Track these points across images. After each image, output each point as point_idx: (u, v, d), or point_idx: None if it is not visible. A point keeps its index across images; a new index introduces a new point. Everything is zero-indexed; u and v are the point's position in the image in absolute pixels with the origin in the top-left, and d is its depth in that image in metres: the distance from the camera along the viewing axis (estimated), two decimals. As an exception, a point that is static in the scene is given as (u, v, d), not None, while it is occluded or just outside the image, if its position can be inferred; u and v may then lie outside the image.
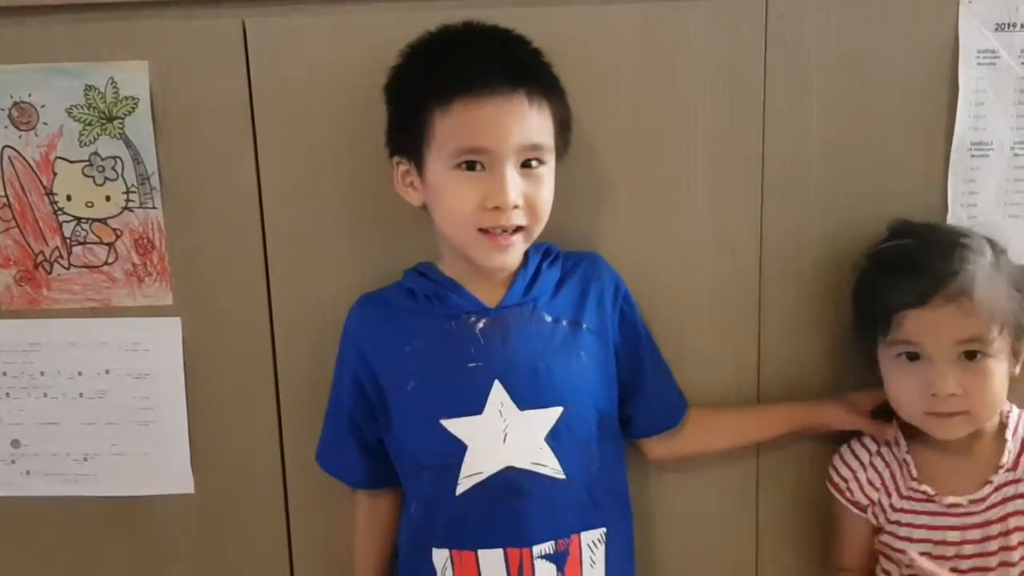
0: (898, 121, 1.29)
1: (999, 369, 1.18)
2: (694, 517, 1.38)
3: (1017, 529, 1.21)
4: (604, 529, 1.19)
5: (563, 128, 1.20)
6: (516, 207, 1.13)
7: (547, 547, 1.16)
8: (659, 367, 1.29)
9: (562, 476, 1.16)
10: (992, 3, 1.26)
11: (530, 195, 1.15)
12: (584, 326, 1.21)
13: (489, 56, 1.14)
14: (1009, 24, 1.27)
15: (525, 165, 1.15)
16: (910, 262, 1.18)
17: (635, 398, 1.27)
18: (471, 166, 1.13)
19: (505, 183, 1.12)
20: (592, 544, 1.18)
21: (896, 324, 1.18)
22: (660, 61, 1.27)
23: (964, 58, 1.27)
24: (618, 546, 1.21)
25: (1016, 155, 1.30)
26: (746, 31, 1.27)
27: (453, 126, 1.12)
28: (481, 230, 1.14)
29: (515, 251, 1.17)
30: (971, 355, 1.17)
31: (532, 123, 1.14)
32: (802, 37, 1.27)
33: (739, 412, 1.33)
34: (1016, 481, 1.22)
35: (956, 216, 1.30)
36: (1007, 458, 1.22)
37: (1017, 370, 1.22)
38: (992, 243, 1.21)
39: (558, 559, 1.16)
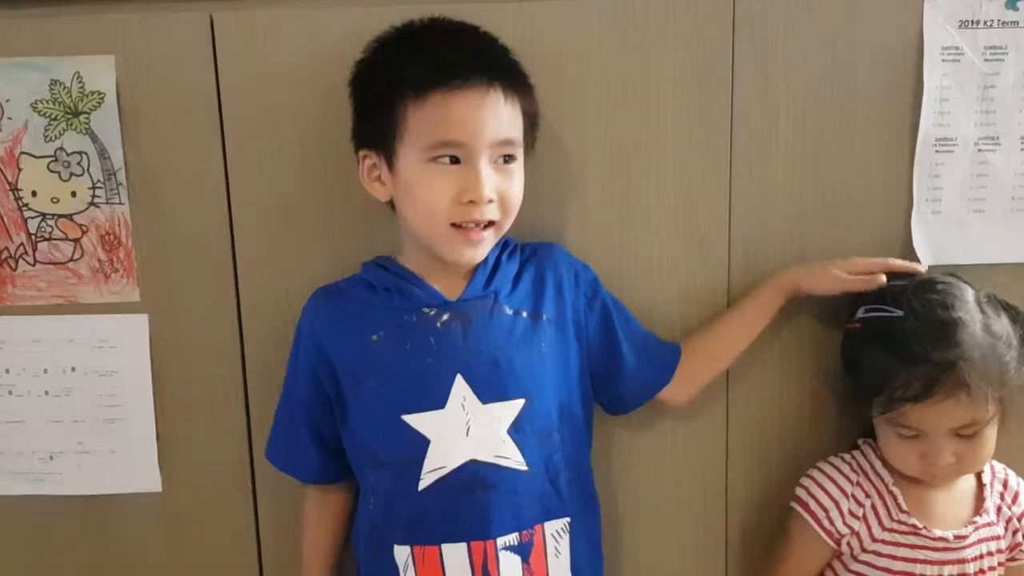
0: (864, 117, 1.30)
1: (991, 434, 1.22)
2: (661, 506, 1.39)
3: (991, 569, 1.26)
4: (568, 519, 1.19)
5: (532, 124, 1.20)
6: (490, 202, 1.14)
7: (511, 539, 1.15)
8: (638, 336, 1.28)
9: (525, 468, 1.16)
10: (956, 0, 1.27)
11: (503, 190, 1.15)
12: (544, 317, 1.21)
13: (465, 50, 1.14)
14: (972, 21, 1.28)
15: (498, 160, 1.15)
16: (906, 350, 1.19)
17: (620, 376, 1.27)
18: (450, 160, 1.13)
19: (481, 177, 1.12)
20: (556, 534, 1.18)
21: (898, 411, 1.21)
22: (629, 56, 1.28)
23: (928, 55, 1.29)
24: (583, 536, 1.21)
25: (980, 151, 1.31)
26: (714, 27, 1.28)
27: (428, 119, 1.12)
28: (453, 225, 1.14)
29: (484, 246, 1.17)
30: (966, 435, 1.21)
31: (506, 118, 1.14)
32: (769, 34, 1.28)
33: (727, 320, 1.31)
34: (991, 523, 1.27)
35: (920, 211, 1.32)
36: (990, 503, 1.27)
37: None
38: (978, 298, 1.23)
39: (522, 550, 1.16)
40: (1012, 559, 1.28)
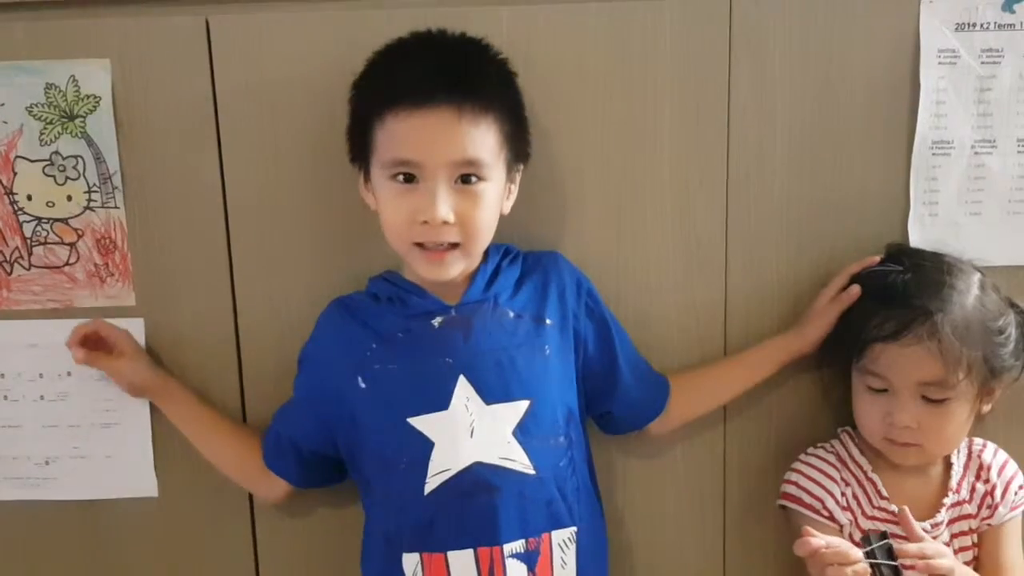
0: (861, 120, 1.31)
1: (959, 410, 1.21)
2: (663, 517, 1.39)
3: (963, 549, 1.25)
4: (575, 528, 1.18)
5: (512, 142, 1.17)
6: (446, 223, 1.12)
7: (517, 546, 1.15)
8: (633, 358, 1.29)
9: (531, 471, 1.15)
10: (952, 3, 1.28)
11: (463, 212, 1.13)
12: (547, 321, 1.21)
13: (425, 68, 1.13)
14: (969, 24, 1.29)
15: (465, 181, 1.13)
16: (892, 294, 1.21)
17: (614, 393, 1.27)
18: (407, 178, 1.12)
19: (434, 198, 1.11)
20: (563, 544, 1.17)
21: (869, 354, 1.22)
22: (625, 61, 1.28)
23: (925, 58, 1.29)
24: (589, 546, 1.20)
25: (976, 153, 1.32)
26: (710, 31, 1.28)
27: (387, 137, 1.12)
28: (417, 244, 1.14)
29: (452, 266, 1.16)
30: (931, 397, 1.20)
31: (465, 138, 1.11)
32: (766, 37, 1.28)
33: (724, 365, 1.32)
34: (960, 503, 1.26)
35: (917, 214, 1.32)
36: (954, 482, 1.27)
37: (987, 408, 1.25)
38: (982, 281, 1.24)
39: (528, 559, 1.15)
40: (985, 524, 1.27)
